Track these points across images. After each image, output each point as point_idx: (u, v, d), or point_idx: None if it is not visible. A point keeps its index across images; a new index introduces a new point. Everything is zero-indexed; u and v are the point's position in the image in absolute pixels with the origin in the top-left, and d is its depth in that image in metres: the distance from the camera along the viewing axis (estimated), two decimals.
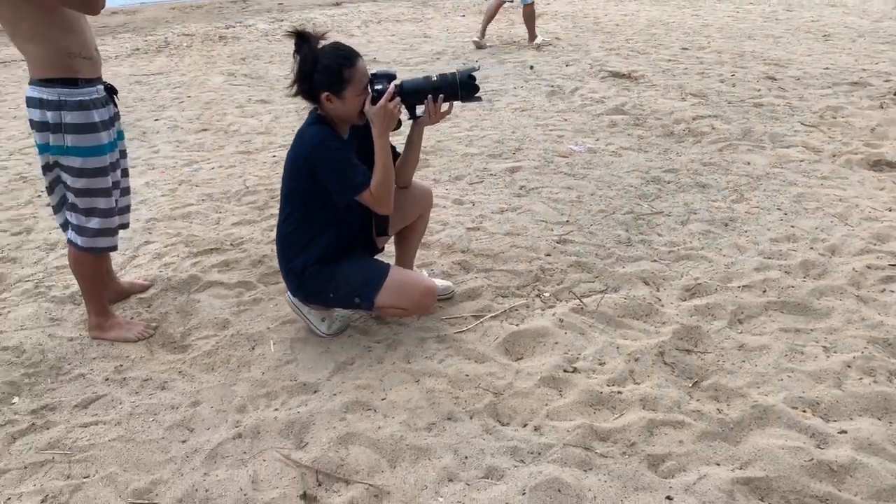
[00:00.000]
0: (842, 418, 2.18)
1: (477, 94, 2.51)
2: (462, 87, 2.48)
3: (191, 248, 3.47)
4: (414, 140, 2.64)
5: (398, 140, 2.58)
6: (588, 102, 5.80)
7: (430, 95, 2.48)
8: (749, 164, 4.32)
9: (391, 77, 2.45)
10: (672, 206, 3.77)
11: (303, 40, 2.37)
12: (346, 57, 2.37)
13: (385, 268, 2.60)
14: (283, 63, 7.98)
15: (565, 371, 2.44)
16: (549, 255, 3.29)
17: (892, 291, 2.86)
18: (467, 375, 2.44)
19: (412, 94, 2.48)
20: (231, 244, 3.50)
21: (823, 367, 2.40)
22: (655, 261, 3.19)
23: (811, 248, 3.22)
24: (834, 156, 4.37)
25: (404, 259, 2.90)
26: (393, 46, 8.68)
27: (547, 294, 2.96)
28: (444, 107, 2.52)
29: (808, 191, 3.86)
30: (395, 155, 2.68)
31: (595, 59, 7.32)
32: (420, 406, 2.29)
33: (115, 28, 11.46)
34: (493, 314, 2.81)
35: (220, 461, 2.10)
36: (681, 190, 3.99)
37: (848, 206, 3.64)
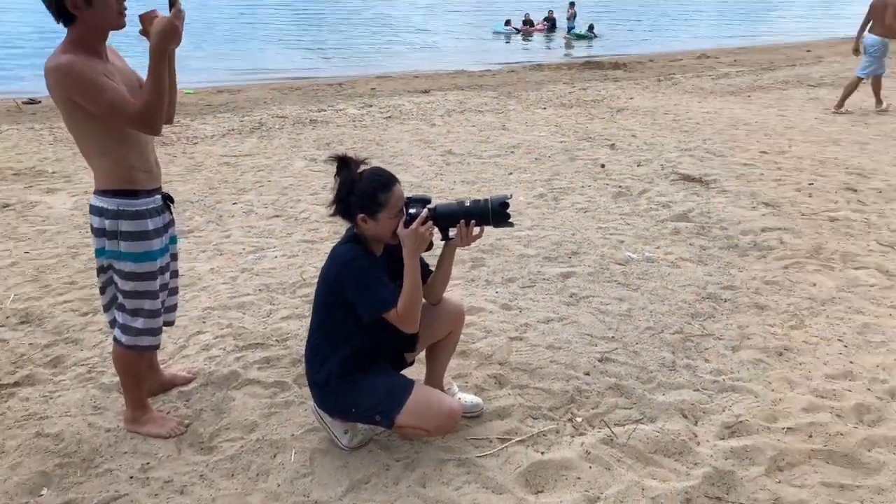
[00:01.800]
0: None
1: (509, 220, 2.54)
2: (493, 215, 2.51)
3: (238, 341, 3.59)
4: (445, 260, 2.69)
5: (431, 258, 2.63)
6: (654, 206, 5.74)
7: (462, 220, 2.53)
8: (815, 285, 4.12)
9: (426, 202, 2.52)
10: (725, 329, 3.62)
11: (344, 164, 2.49)
12: (383, 183, 2.47)
13: (409, 385, 2.61)
14: (363, 150, 8.32)
15: None
16: (587, 373, 3.21)
17: None
18: None
19: (444, 218, 2.53)
20: (276, 340, 3.60)
21: None
22: (698, 390, 3.05)
23: (868, 388, 3.00)
24: None
25: (433, 375, 2.90)
26: (470, 138, 8.91)
27: (579, 419, 2.88)
28: (476, 230, 2.56)
29: (875, 321, 3.63)
30: (428, 273, 2.72)
31: (668, 159, 7.26)
32: None
33: (217, 107, 12.29)
34: (520, 438, 2.75)
35: None
36: (737, 310, 3.84)
37: None
